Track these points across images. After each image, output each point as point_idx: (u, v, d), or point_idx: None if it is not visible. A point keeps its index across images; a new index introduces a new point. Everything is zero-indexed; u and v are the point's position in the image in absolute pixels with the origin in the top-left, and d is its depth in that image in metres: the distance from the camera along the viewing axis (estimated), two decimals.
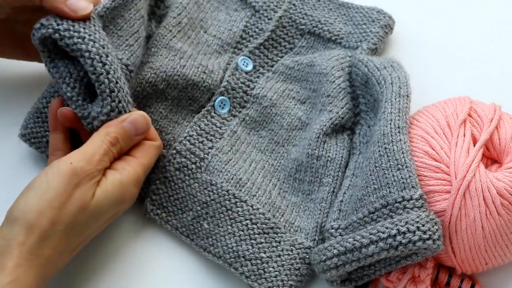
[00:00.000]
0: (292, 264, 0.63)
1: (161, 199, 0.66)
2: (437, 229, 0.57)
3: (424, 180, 0.61)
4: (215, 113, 0.70)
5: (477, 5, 0.80)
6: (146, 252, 0.66)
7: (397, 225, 0.57)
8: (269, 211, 0.65)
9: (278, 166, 0.69)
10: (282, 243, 0.64)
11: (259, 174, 0.68)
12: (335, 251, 0.59)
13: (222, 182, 0.65)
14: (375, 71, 0.67)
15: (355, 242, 0.58)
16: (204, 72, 0.70)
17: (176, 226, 0.66)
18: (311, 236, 0.64)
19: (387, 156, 0.61)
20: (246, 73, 0.72)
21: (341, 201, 0.64)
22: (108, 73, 0.59)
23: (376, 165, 0.61)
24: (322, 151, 0.67)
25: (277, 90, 0.72)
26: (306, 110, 0.71)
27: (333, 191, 0.66)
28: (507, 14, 0.79)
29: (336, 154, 0.67)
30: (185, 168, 0.66)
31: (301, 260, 0.63)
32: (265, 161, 0.69)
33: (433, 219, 0.58)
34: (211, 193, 0.65)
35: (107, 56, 0.59)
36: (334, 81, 0.69)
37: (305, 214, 0.66)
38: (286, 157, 0.69)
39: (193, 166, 0.66)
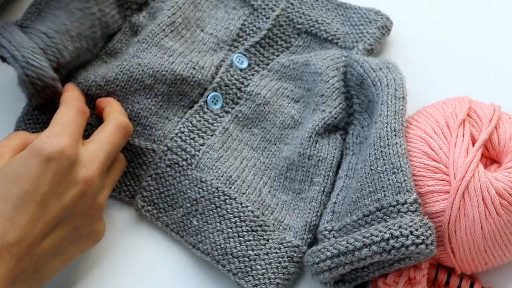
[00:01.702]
0: (279, 262, 0.63)
1: (152, 196, 0.66)
2: (430, 234, 0.57)
3: (423, 181, 0.61)
4: (207, 108, 0.70)
5: (476, 5, 0.80)
6: (138, 248, 0.66)
7: (390, 228, 0.57)
8: (258, 209, 0.65)
9: (270, 164, 0.68)
10: (270, 241, 0.63)
11: (250, 172, 0.67)
12: (329, 254, 0.59)
13: (212, 179, 0.65)
14: (370, 72, 0.67)
15: (349, 245, 0.58)
16: (194, 68, 0.70)
17: (167, 223, 0.66)
18: (299, 235, 0.64)
19: (383, 159, 0.61)
20: (241, 70, 0.72)
21: (335, 202, 0.64)
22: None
23: (372, 168, 0.61)
24: (314, 150, 0.67)
25: (271, 88, 0.72)
26: (299, 109, 0.71)
27: (324, 191, 0.66)
28: (507, 14, 0.79)
29: (327, 154, 0.67)
30: (176, 165, 0.66)
31: (288, 258, 0.63)
32: (256, 159, 0.69)
33: (427, 223, 0.58)
34: (201, 190, 0.65)
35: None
36: (328, 81, 0.69)
37: (295, 212, 0.66)
38: (278, 155, 0.69)
39: (184, 163, 0.66)
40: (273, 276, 0.62)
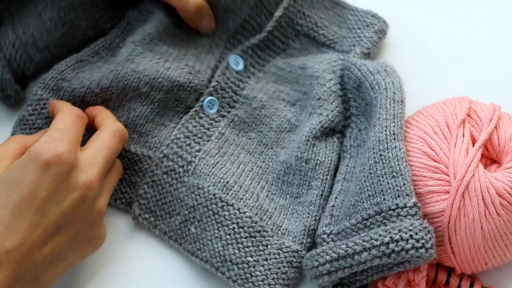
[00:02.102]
0: (279, 268, 0.62)
1: (149, 204, 0.66)
2: (430, 238, 0.57)
3: (423, 181, 0.61)
4: (203, 113, 0.69)
5: (475, 5, 0.79)
6: (137, 255, 0.66)
7: (390, 232, 0.57)
8: (256, 214, 0.64)
9: (267, 168, 0.68)
10: (269, 246, 0.63)
11: (247, 177, 0.67)
12: (328, 257, 0.59)
13: (209, 186, 0.65)
14: (368, 75, 0.67)
15: (348, 248, 0.58)
16: (190, 73, 0.69)
17: (164, 231, 0.65)
18: (298, 239, 0.64)
19: (382, 163, 0.61)
20: (237, 72, 0.71)
21: (333, 206, 0.64)
22: None
23: (371, 171, 0.61)
24: (311, 154, 0.66)
25: (268, 91, 0.71)
26: (296, 112, 0.70)
27: (322, 195, 0.65)
28: (507, 14, 0.79)
29: (325, 158, 0.67)
30: (173, 172, 0.66)
31: (288, 263, 0.62)
32: (253, 163, 0.68)
33: (427, 227, 0.58)
34: (198, 197, 0.64)
35: None
36: (325, 84, 0.69)
37: (293, 217, 0.65)
38: (275, 159, 0.68)
39: (181, 169, 0.66)
40: (272, 282, 0.62)
